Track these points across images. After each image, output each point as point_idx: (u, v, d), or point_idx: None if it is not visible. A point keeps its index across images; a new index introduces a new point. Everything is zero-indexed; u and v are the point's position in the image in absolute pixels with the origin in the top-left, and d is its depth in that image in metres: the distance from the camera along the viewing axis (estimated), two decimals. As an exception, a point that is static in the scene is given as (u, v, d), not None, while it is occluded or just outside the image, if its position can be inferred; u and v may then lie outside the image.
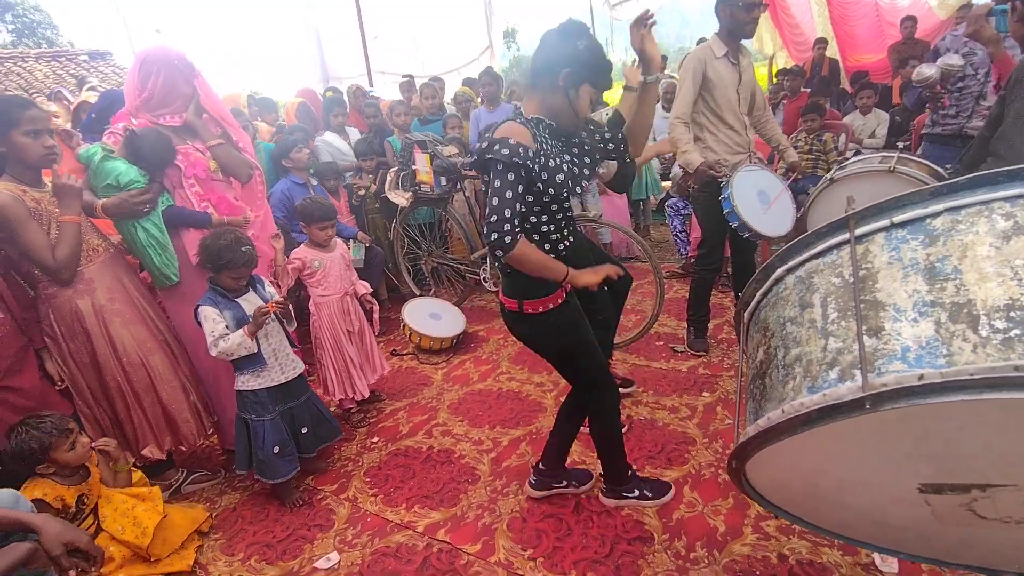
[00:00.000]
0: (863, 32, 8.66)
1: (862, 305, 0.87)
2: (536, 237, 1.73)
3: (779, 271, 1.07)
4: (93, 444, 1.95)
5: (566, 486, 2.16)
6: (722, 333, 3.40)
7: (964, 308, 0.77)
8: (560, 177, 1.66)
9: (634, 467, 2.13)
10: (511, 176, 1.56)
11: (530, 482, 2.18)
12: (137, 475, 2.16)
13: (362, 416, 2.93)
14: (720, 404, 2.67)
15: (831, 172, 2.42)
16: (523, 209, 1.65)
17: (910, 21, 6.70)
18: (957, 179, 0.85)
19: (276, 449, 2.25)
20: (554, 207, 1.72)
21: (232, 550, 2.13)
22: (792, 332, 0.99)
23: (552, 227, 1.75)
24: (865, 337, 0.84)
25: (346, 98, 5.79)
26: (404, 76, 6.12)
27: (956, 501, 0.95)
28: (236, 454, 2.32)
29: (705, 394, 2.78)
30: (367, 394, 2.90)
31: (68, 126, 3.27)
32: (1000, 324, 0.74)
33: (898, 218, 0.89)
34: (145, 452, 2.31)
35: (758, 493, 1.23)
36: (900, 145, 2.28)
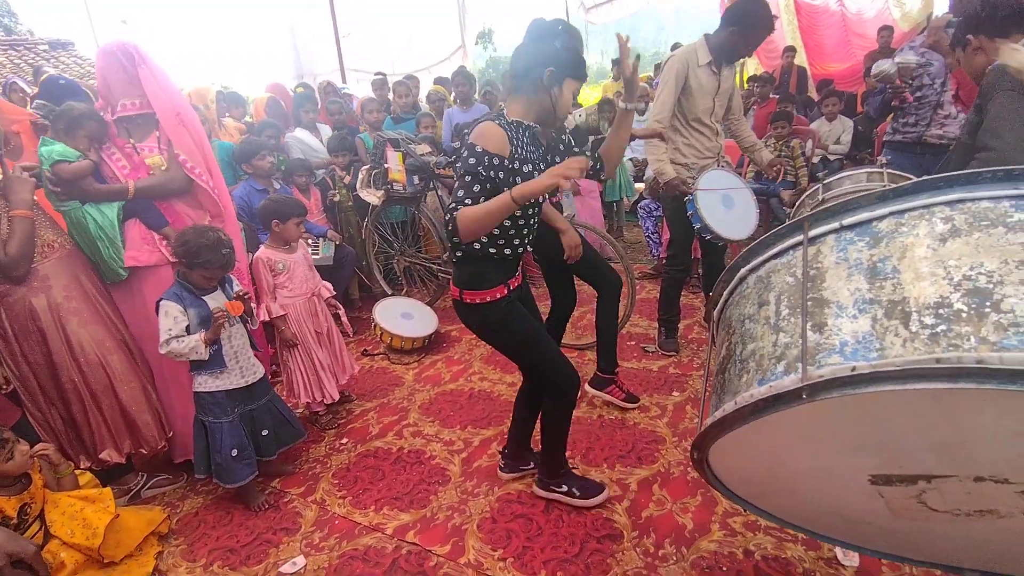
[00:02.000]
0: (830, 41, 8.90)
1: (809, 303, 0.91)
2: (489, 236, 1.75)
3: (742, 271, 1.12)
4: (31, 451, 1.87)
5: (533, 466, 2.24)
6: (692, 333, 3.45)
7: (899, 305, 0.82)
8: (510, 177, 1.70)
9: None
10: (476, 187, 1.62)
11: (499, 467, 2.29)
12: (85, 477, 2.08)
13: (331, 417, 2.88)
14: (690, 403, 2.70)
15: (819, 191, 2.34)
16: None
17: (887, 31, 6.89)
18: (903, 184, 0.90)
19: (234, 452, 2.18)
20: (517, 211, 1.71)
21: (194, 556, 2.07)
22: (749, 329, 1.03)
23: (511, 232, 1.78)
24: (810, 332, 0.88)
25: (317, 95, 5.70)
26: (377, 74, 6.06)
27: (906, 493, 0.99)
28: (195, 457, 2.25)
29: (675, 393, 2.81)
30: (337, 397, 2.84)
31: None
32: (929, 320, 0.78)
33: (847, 220, 0.94)
34: (103, 456, 2.22)
35: (724, 486, 1.27)
36: (883, 160, 2.28)
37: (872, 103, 3.65)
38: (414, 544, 2.01)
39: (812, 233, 0.97)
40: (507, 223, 1.75)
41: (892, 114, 3.41)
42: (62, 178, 2.14)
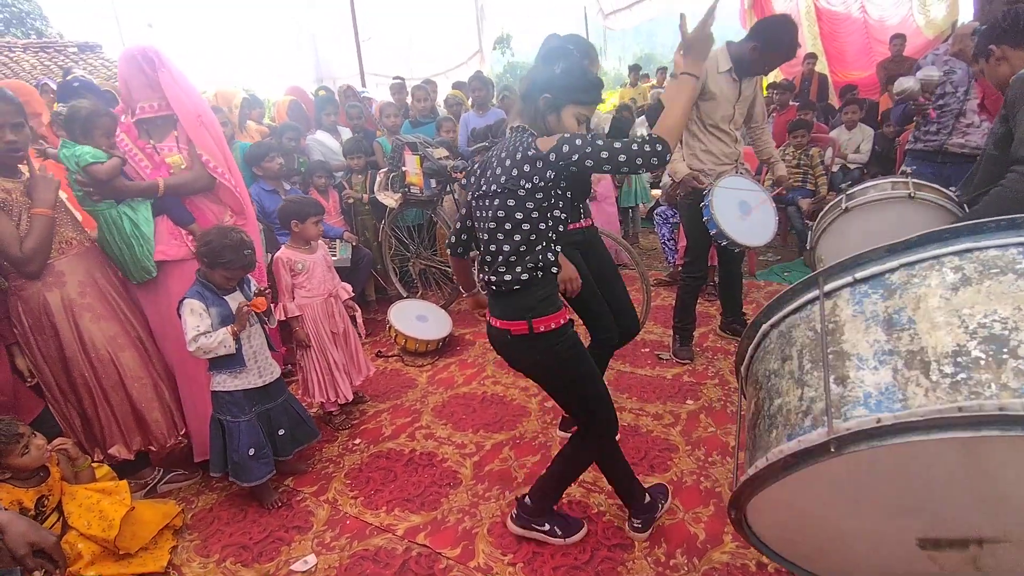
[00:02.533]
0: (852, 48, 8.81)
1: (830, 356, 0.93)
2: (547, 247, 1.65)
3: (764, 327, 1.13)
4: (49, 446, 1.90)
5: (547, 530, 1.95)
6: (707, 341, 3.42)
7: (917, 355, 0.83)
8: (564, 201, 1.66)
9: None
10: (595, 156, 1.52)
11: (512, 515, 2.01)
12: (103, 470, 2.11)
13: (344, 418, 2.90)
14: (704, 412, 2.68)
15: (842, 201, 2.27)
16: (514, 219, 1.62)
17: (899, 39, 6.82)
18: (910, 237, 0.91)
19: (251, 451, 2.21)
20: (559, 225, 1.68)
21: (207, 551, 2.10)
22: (775, 384, 1.04)
23: (556, 236, 1.68)
24: (833, 385, 0.89)
25: (337, 98, 5.77)
26: (395, 78, 6.11)
27: (960, 559, 0.98)
28: (211, 455, 2.28)
29: (689, 402, 2.78)
30: (350, 397, 2.86)
31: (48, 119, 3.22)
32: (948, 369, 0.79)
33: (860, 274, 0.96)
34: (112, 451, 2.26)
35: (767, 547, 1.24)
36: (908, 170, 2.23)
37: (894, 112, 3.61)
38: (424, 546, 2.01)
39: (827, 288, 0.99)
40: (559, 223, 1.66)
41: (914, 123, 3.37)
42: (97, 179, 2.18)
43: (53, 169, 2.45)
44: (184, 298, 2.14)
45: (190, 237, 2.37)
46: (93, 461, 2.19)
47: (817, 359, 0.95)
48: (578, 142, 1.53)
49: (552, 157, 1.54)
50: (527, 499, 1.96)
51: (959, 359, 0.78)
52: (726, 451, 2.36)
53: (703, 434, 2.50)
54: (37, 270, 2.09)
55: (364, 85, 8.35)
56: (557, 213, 1.65)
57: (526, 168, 1.56)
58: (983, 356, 0.77)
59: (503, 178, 1.61)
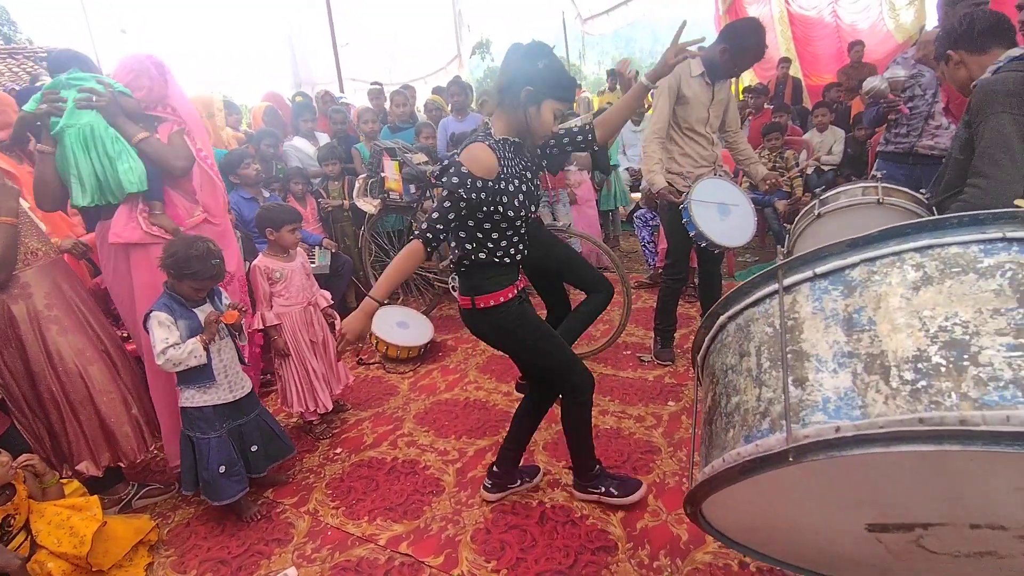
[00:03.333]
0: (824, 52, 8.97)
1: (789, 355, 0.90)
2: (487, 248, 1.80)
3: (722, 318, 1.10)
4: (14, 463, 1.85)
5: (520, 484, 2.22)
6: (688, 343, 3.44)
7: (877, 359, 0.80)
8: (518, 200, 1.76)
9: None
10: (447, 204, 1.67)
11: (485, 486, 2.21)
12: (72, 486, 2.05)
13: (325, 427, 2.86)
14: (685, 413, 2.70)
15: (815, 207, 2.33)
16: (454, 226, 1.76)
17: (859, 45, 6.97)
18: (871, 232, 0.88)
19: (221, 468, 2.15)
20: (504, 225, 1.79)
21: (184, 567, 2.05)
22: (732, 380, 1.01)
23: (504, 243, 1.82)
24: (792, 387, 0.87)
25: (315, 103, 5.72)
26: (373, 83, 6.08)
27: (904, 539, 0.98)
28: (182, 474, 2.23)
29: (671, 403, 2.80)
30: (330, 406, 2.83)
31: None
32: (908, 375, 0.76)
33: (820, 269, 0.92)
34: (80, 468, 2.19)
35: (723, 535, 1.25)
36: (878, 175, 2.28)
37: (867, 114, 3.68)
38: (407, 555, 1.99)
39: (787, 282, 0.96)
40: (496, 235, 1.79)
41: (885, 125, 3.44)
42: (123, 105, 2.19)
43: (12, 177, 2.38)
44: (151, 310, 2.08)
45: (145, 214, 2.25)
46: (62, 477, 2.13)
47: (776, 358, 0.92)
48: (451, 170, 1.68)
49: (451, 167, 1.68)
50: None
51: (919, 365, 0.76)
52: (707, 451, 2.37)
53: (685, 435, 2.52)
54: (3, 280, 2.03)
55: (342, 90, 8.29)
56: (480, 234, 1.79)
57: (447, 165, 1.73)
58: (944, 363, 0.75)
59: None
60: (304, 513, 2.27)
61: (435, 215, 1.68)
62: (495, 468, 2.20)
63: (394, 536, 2.09)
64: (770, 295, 1.00)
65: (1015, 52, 1.81)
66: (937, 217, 0.84)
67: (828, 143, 5.56)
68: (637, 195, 5.59)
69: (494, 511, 2.16)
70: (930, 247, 0.83)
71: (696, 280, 3.74)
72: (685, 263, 3.15)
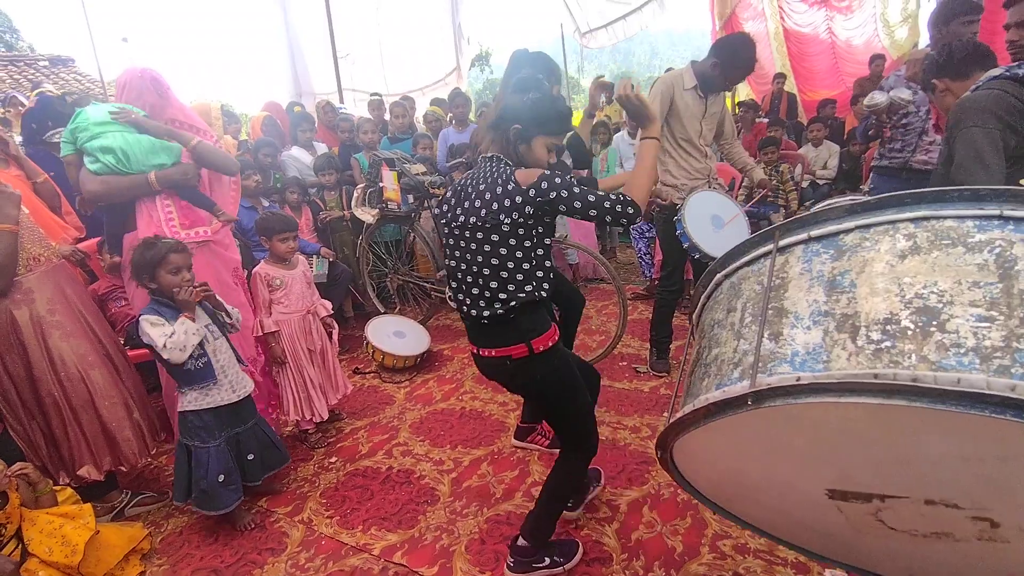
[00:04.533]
0: (820, 68, 9.08)
1: (771, 311, 0.93)
2: (535, 279, 1.64)
3: (718, 276, 1.14)
4: (8, 471, 1.84)
5: (549, 564, 1.85)
6: (683, 354, 3.45)
7: (850, 319, 0.83)
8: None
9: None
10: (577, 201, 1.56)
11: (508, 564, 1.86)
12: (65, 493, 2.04)
13: (320, 436, 2.85)
14: (680, 424, 2.70)
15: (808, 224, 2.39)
16: (517, 257, 1.62)
17: (880, 59, 7.05)
18: (870, 198, 0.90)
19: (221, 478, 2.15)
20: (544, 251, 1.69)
21: (176, 576, 2.04)
22: (716, 334, 1.06)
23: (542, 273, 1.67)
24: (766, 341, 0.90)
25: (314, 114, 5.76)
26: (372, 94, 6.13)
27: (863, 510, 1.01)
28: (175, 482, 2.21)
29: (666, 414, 2.80)
30: (326, 415, 2.83)
31: (17, 133, 3.17)
32: (875, 336, 0.79)
33: (815, 232, 0.94)
34: (81, 472, 2.18)
35: (694, 488, 1.31)
36: (866, 189, 2.33)
37: (859, 129, 3.73)
38: (401, 565, 1.98)
39: (783, 243, 0.98)
40: (542, 261, 1.66)
41: (879, 139, 3.48)
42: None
43: (12, 182, 2.40)
44: (139, 316, 2.08)
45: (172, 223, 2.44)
46: (58, 484, 2.12)
47: (757, 313, 0.96)
48: (558, 181, 1.55)
49: (531, 193, 1.54)
50: (520, 540, 1.84)
51: (888, 327, 0.78)
52: (702, 463, 2.37)
53: (680, 446, 2.52)
54: (4, 287, 2.04)
55: (342, 101, 8.34)
56: (542, 249, 1.66)
57: (506, 203, 1.55)
58: (911, 326, 0.77)
59: (483, 211, 1.58)
60: (298, 522, 2.26)
61: (592, 197, 1.54)
62: (519, 541, 1.86)
63: (388, 546, 2.08)
64: (764, 255, 1.03)
65: (995, 72, 1.90)
66: (938, 188, 0.85)
67: (823, 158, 5.62)
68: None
69: (489, 522, 2.15)
70: (926, 218, 0.85)
71: (692, 292, 3.76)
72: (681, 275, 3.17)
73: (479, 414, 2.98)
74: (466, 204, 1.64)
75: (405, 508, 2.28)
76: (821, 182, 5.61)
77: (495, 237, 1.59)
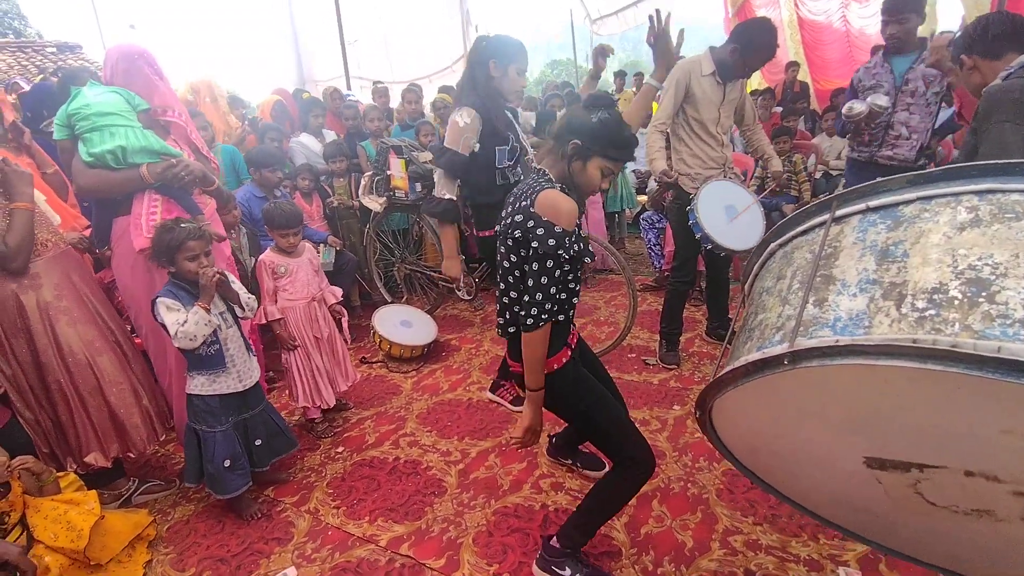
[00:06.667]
0: (834, 57, 8.94)
1: (819, 279, 0.93)
2: (556, 309, 1.61)
3: (772, 245, 1.15)
4: (10, 464, 1.83)
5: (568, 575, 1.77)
6: (693, 346, 3.42)
7: (897, 288, 0.82)
8: (581, 247, 1.60)
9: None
10: (551, 264, 1.52)
11: (536, 558, 1.83)
12: (68, 479, 2.04)
13: (327, 425, 2.84)
14: (690, 417, 2.67)
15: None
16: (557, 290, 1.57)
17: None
18: (933, 170, 0.89)
19: (227, 463, 2.14)
20: (571, 277, 1.65)
21: (183, 565, 2.03)
22: (764, 300, 1.07)
23: (564, 295, 1.65)
24: (811, 306, 0.91)
25: (323, 100, 5.71)
26: (376, 82, 6.07)
27: (902, 481, 0.99)
28: (186, 465, 2.22)
29: (676, 407, 2.77)
30: (333, 403, 2.81)
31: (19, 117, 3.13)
32: (921, 304, 0.78)
33: (873, 203, 0.94)
34: (88, 459, 2.18)
35: (731, 453, 1.30)
36: (839, 185, 2.27)
37: (836, 123, 3.71)
38: (408, 557, 1.97)
39: (840, 213, 0.98)
40: (562, 289, 1.62)
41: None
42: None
43: (23, 163, 2.38)
44: (156, 297, 2.05)
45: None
46: (65, 471, 2.12)
47: (805, 280, 0.96)
48: (552, 243, 1.49)
49: (531, 222, 1.52)
50: (554, 540, 1.79)
51: (935, 296, 0.78)
52: (713, 456, 2.34)
53: (690, 439, 2.49)
54: (21, 266, 2.03)
55: (349, 87, 8.29)
56: (560, 272, 1.59)
57: (518, 218, 1.55)
58: (959, 296, 0.76)
59: (507, 220, 1.60)
60: (304, 512, 2.25)
61: (539, 296, 1.52)
62: (553, 540, 1.81)
63: (395, 537, 2.06)
64: (819, 225, 1.03)
65: None
66: (1006, 161, 0.84)
67: (837, 148, 5.52)
68: (643, 197, 5.56)
69: (496, 514, 2.13)
70: (991, 191, 0.83)
71: (703, 283, 3.71)
72: (693, 266, 3.12)
73: (487, 405, 2.96)
74: (503, 213, 1.65)
75: (412, 499, 2.26)
76: (834, 172, 5.51)
77: (504, 248, 1.62)
